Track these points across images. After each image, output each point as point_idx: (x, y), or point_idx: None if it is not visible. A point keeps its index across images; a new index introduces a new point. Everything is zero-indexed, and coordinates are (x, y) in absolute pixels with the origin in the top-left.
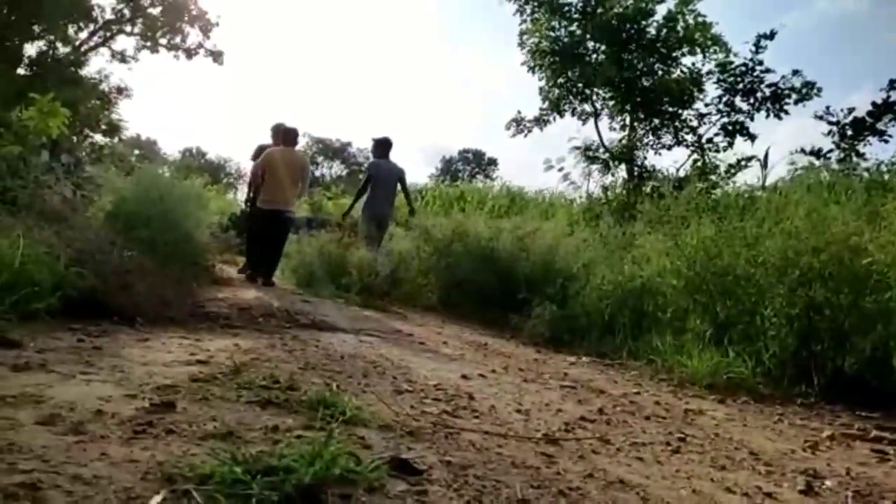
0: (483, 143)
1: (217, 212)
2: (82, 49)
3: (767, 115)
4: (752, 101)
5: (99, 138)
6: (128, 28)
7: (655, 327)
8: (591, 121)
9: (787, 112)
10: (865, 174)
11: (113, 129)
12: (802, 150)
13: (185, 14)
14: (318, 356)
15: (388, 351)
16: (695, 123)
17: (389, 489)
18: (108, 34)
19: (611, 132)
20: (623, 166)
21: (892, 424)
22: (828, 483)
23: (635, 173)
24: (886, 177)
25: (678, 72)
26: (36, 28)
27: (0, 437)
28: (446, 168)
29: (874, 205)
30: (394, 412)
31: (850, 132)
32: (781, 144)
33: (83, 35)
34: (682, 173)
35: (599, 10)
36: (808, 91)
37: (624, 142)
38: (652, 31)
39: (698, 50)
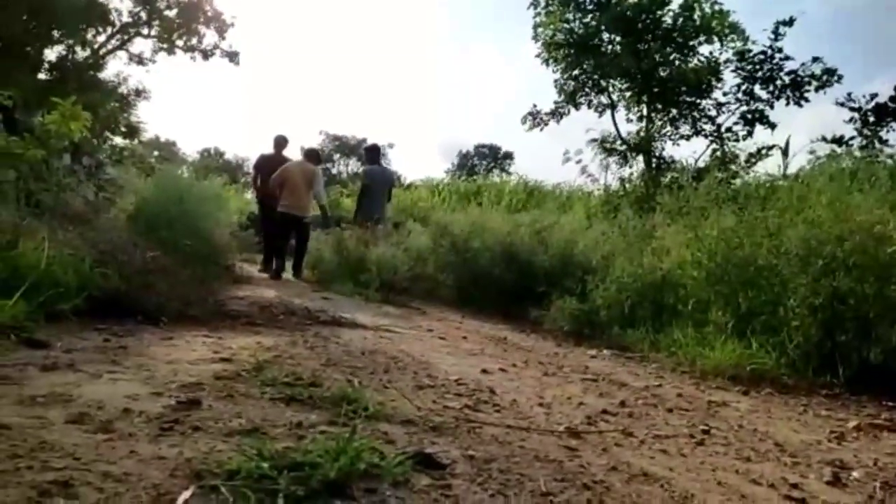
0: (499, 137)
1: (236, 211)
2: (101, 53)
3: (787, 103)
4: (771, 88)
5: (119, 140)
6: (144, 31)
7: (676, 319)
8: (608, 112)
9: (807, 99)
10: (889, 161)
11: (132, 131)
12: (824, 138)
13: (201, 15)
14: (339, 352)
15: (408, 346)
16: (713, 113)
17: (414, 483)
18: (126, 37)
19: (628, 123)
20: (641, 157)
21: None
22: (855, 474)
23: (653, 164)
24: None
25: (695, 61)
26: (55, 33)
27: (32, 436)
28: (462, 163)
29: None
30: (416, 407)
31: (872, 118)
32: (802, 132)
33: (101, 39)
34: (701, 163)
35: (614, 1)
36: (828, 78)
37: (641, 133)
38: (668, 20)
39: (715, 38)
